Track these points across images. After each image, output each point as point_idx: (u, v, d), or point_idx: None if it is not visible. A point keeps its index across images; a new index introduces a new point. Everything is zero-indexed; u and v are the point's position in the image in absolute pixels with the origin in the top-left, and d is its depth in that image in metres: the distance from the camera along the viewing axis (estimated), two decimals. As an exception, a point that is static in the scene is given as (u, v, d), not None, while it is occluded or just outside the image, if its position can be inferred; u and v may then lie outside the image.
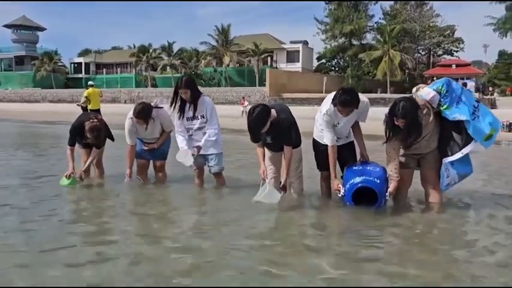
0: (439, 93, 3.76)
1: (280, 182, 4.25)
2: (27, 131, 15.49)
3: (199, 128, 4.72)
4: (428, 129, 3.83)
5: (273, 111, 4.02)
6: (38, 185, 5.22)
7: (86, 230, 3.58)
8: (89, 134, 4.82)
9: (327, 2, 45.98)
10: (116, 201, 4.63)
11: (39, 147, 9.56)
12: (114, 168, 5.14)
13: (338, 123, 4.11)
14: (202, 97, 4.71)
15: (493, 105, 24.30)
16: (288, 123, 4.09)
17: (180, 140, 4.73)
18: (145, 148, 5.05)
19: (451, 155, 3.87)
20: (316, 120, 4.30)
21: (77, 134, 5.00)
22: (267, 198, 4.06)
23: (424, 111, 3.78)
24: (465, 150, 3.83)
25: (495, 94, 33.94)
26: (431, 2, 45.09)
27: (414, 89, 3.98)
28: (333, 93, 4.05)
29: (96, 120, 4.90)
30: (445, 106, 3.79)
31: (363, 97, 4.07)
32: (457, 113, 3.76)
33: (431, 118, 3.80)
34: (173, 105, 4.70)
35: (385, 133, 3.92)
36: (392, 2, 46.45)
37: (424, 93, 3.82)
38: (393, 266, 2.82)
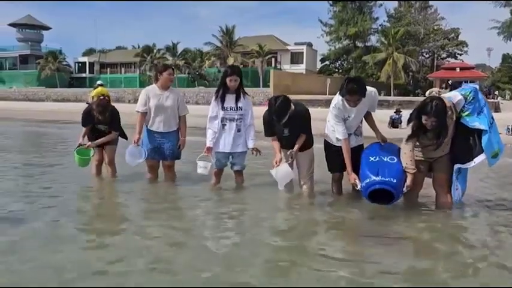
0: (465, 98, 3.81)
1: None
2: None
3: (234, 119, 4.77)
4: (449, 132, 3.86)
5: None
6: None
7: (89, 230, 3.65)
8: (95, 108, 5.19)
9: (331, 4, 46.12)
10: (127, 202, 4.64)
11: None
12: (128, 167, 5.18)
13: (349, 117, 4.14)
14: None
15: (496, 108, 24.29)
16: (306, 114, 4.32)
17: (210, 137, 4.77)
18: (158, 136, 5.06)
19: (463, 162, 3.89)
20: (328, 121, 4.34)
21: (88, 117, 5.30)
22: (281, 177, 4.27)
23: (449, 113, 3.78)
24: (477, 160, 3.85)
25: (499, 98, 33.92)
26: (435, 5, 45.15)
27: (427, 93, 4.03)
28: None
29: (104, 98, 5.30)
30: (466, 112, 3.83)
31: (370, 87, 4.11)
32: (477, 122, 3.80)
33: (452, 122, 3.84)
34: (218, 93, 4.77)
35: (412, 129, 3.87)
36: (396, 4, 46.56)
37: (452, 95, 3.87)
38: (400, 268, 2.86)
